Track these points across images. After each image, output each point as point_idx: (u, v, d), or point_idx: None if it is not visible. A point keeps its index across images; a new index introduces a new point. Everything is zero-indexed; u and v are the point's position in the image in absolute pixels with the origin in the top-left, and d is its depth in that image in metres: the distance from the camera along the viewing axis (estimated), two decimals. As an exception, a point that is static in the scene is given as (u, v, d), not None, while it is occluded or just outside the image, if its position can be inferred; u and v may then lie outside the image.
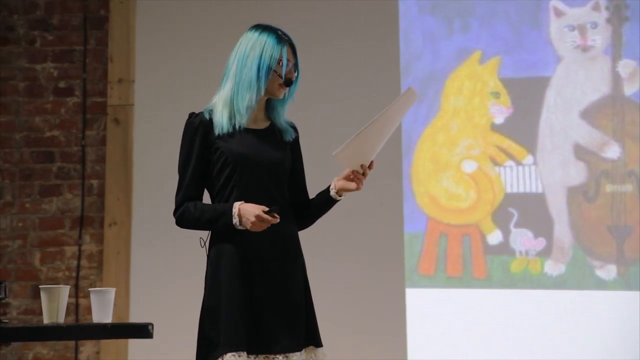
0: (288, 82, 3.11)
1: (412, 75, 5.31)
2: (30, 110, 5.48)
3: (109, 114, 5.44)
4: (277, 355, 3.02)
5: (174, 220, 3.16)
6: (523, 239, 5.19)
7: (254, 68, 3.08)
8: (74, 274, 5.35)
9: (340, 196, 3.15)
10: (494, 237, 5.21)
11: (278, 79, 3.10)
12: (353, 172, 3.10)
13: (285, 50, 3.10)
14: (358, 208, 5.09)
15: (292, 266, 3.11)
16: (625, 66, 5.24)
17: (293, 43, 3.14)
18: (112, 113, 5.43)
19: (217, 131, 3.11)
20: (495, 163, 5.25)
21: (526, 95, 5.26)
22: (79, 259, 5.37)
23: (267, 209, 2.98)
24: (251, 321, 3.02)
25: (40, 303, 3.07)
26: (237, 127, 3.10)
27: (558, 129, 5.24)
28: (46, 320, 3.04)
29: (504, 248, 5.19)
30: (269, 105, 3.19)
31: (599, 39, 5.26)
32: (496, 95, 5.29)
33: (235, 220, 3.02)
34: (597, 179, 5.19)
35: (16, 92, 5.49)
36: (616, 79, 5.23)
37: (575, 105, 5.25)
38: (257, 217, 2.97)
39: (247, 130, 3.12)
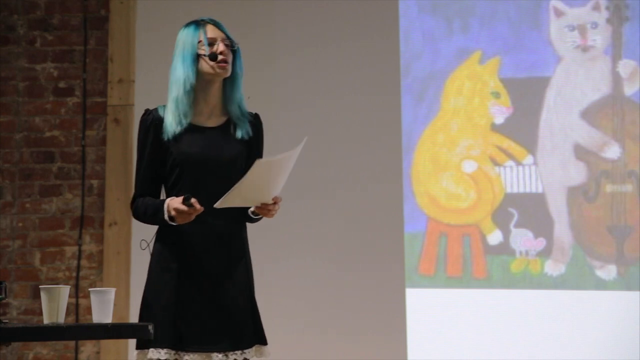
0: (213, 57, 3.07)
1: (412, 75, 5.31)
2: (30, 110, 5.47)
3: (109, 114, 5.43)
4: (217, 354, 3.03)
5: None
6: (523, 239, 5.19)
7: (179, 62, 3.09)
8: (74, 274, 5.35)
9: (255, 216, 3.09)
10: (494, 237, 5.21)
11: (206, 59, 3.08)
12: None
13: (205, 30, 3.11)
14: (358, 208, 5.09)
15: (233, 266, 3.09)
16: (625, 66, 5.23)
17: (217, 22, 3.14)
18: (112, 113, 5.43)
19: (169, 130, 3.09)
20: (495, 163, 5.25)
21: (526, 95, 5.26)
22: (79, 259, 5.36)
23: (188, 199, 2.97)
24: (185, 319, 3.04)
25: (40, 303, 3.07)
26: (184, 124, 3.08)
27: (558, 129, 5.23)
28: (46, 320, 3.03)
29: (504, 248, 5.19)
30: (225, 97, 3.15)
31: (599, 39, 5.25)
32: (496, 95, 5.29)
33: (167, 216, 3.02)
34: (597, 179, 5.19)
35: (16, 92, 5.48)
36: (616, 79, 5.23)
37: (575, 106, 5.24)
38: (175, 209, 2.98)
39: (198, 129, 3.11)
